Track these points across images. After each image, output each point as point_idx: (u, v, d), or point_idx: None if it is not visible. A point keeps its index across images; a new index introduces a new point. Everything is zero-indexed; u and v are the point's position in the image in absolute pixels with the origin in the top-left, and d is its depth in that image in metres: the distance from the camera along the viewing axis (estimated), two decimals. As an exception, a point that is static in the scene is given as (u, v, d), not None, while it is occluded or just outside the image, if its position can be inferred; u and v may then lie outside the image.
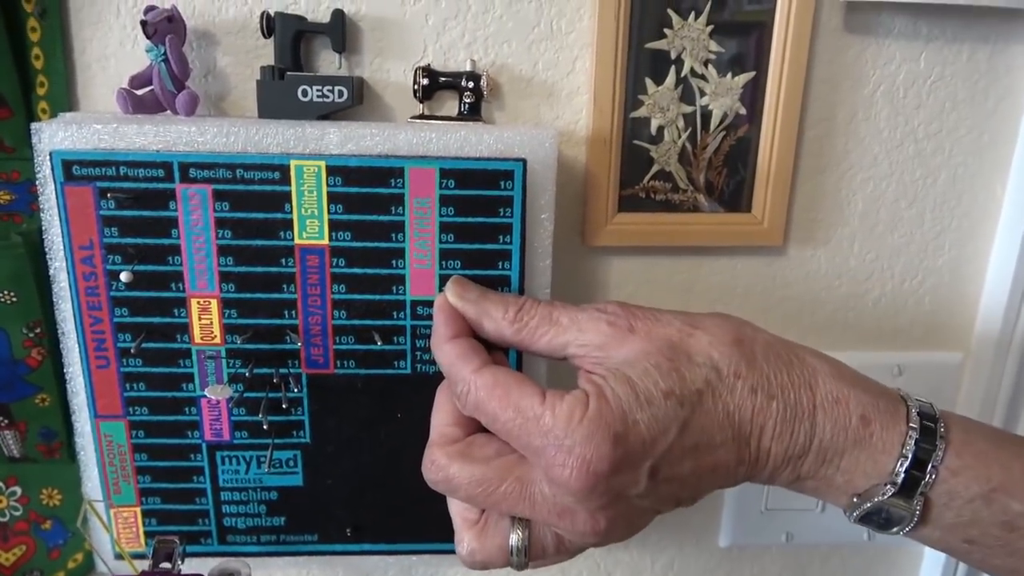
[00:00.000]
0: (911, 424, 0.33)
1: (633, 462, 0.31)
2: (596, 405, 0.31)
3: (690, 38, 0.55)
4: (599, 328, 0.35)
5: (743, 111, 0.57)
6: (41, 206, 0.47)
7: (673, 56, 0.55)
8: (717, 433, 0.32)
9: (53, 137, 0.46)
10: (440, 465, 0.37)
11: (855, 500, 0.34)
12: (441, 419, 0.39)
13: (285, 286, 0.49)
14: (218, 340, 0.50)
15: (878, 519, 0.33)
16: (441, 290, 0.46)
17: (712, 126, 0.57)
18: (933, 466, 0.32)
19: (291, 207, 0.48)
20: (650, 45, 0.55)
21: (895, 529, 0.33)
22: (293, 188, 0.47)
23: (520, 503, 0.34)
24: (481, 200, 0.49)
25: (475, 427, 0.38)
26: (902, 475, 0.32)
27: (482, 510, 0.37)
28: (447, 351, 0.38)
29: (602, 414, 0.31)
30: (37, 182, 0.47)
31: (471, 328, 0.40)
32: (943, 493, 0.32)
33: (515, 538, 0.35)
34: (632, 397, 0.32)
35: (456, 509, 0.39)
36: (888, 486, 0.32)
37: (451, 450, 0.37)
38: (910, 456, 0.32)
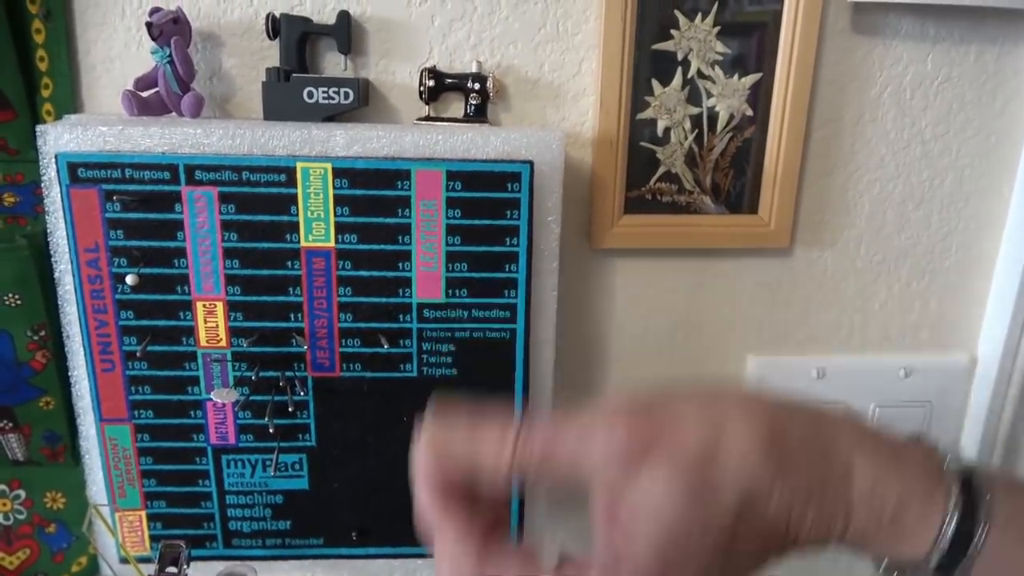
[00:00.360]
0: (951, 503, 0.31)
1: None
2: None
3: (697, 39, 0.55)
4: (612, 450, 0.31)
5: (750, 112, 0.57)
6: (46, 208, 0.47)
7: (680, 57, 0.55)
8: (753, 541, 0.30)
9: (58, 139, 0.46)
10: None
11: (895, 570, 0.32)
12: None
13: (291, 289, 0.49)
14: (224, 343, 0.49)
15: None
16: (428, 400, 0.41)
17: (719, 127, 0.57)
18: (971, 553, 0.30)
19: (297, 209, 0.47)
20: (657, 46, 0.54)
21: None
22: (299, 190, 0.47)
23: None
24: (488, 202, 0.48)
25: None
26: (935, 560, 0.30)
27: None
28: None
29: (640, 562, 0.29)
30: (42, 184, 0.47)
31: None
32: (982, 571, 0.31)
33: None
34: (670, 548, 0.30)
35: None
36: (923, 564, 0.31)
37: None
38: (948, 540, 0.30)
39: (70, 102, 0.52)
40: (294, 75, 0.50)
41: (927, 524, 0.31)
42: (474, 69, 0.53)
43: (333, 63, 0.53)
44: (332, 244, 0.48)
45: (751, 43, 0.56)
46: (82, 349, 0.49)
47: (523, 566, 0.31)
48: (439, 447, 0.32)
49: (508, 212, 0.49)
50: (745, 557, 0.31)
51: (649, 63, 0.55)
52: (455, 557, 0.31)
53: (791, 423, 0.32)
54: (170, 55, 0.48)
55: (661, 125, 0.56)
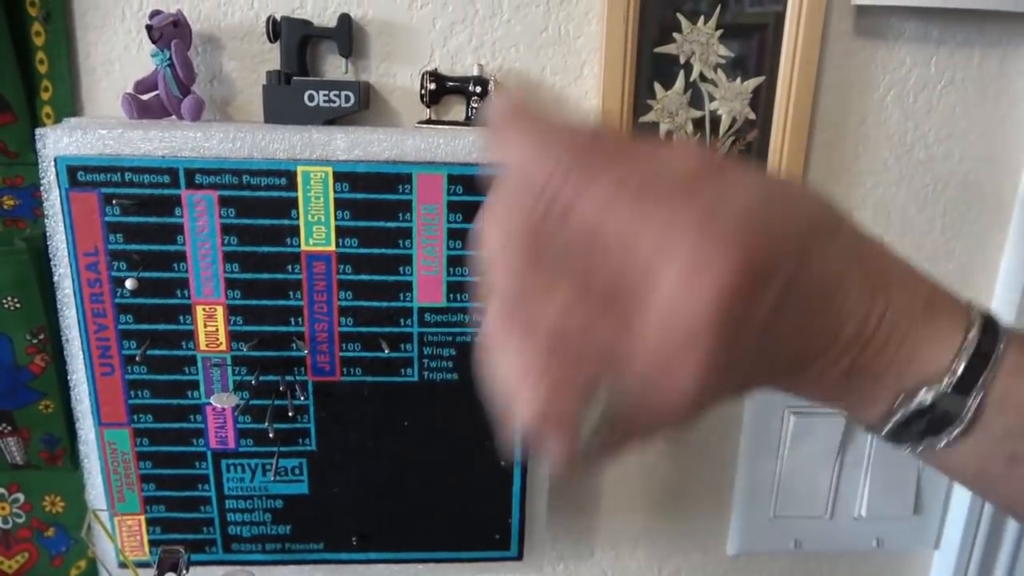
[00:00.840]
0: (972, 315, 0.31)
1: (771, 266, 0.28)
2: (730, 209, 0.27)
3: (699, 42, 0.54)
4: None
5: (752, 116, 0.56)
6: (45, 212, 0.47)
7: (682, 61, 0.55)
8: (817, 280, 0.30)
9: (58, 142, 0.45)
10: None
11: (899, 400, 0.31)
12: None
13: (291, 293, 0.49)
14: (224, 347, 0.49)
15: (922, 422, 0.31)
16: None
17: (721, 131, 0.57)
18: (995, 359, 0.30)
19: (298, 213, 0.47)
20: (659, 49, 0.54)
21: (941, 436, 0.31)
22: (300, 194, 0.47)
23: (623, 332, 0.26)
24: (489, 206, 0.48)
25: None
26: (963, 363, 0.30)
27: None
28: (534, 144, 0.28)
29: (743, 211, 0.27)
30: (41, 187, 0.46)
31: None
32: (999, 393, 0.30)
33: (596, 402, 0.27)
34: (756, 210, 0.28)
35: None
36: (947, 377, 0.30)
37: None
38: (974, 345, 0.30)
39: (70, 105, 0.52)
40: (295, 78, 0.49)
41: (954, 324, 0.31)
42: (475, 72, 0.53)
43: (334, 66, 0.53)
44: (333, 248, 0.48)
45: (753, 46, 0.55)
46: (81, 353, 0.49)
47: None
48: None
49: (509, 216, 0.48)
50: (810, 299, 0.29)
51: (651, 66, 0.54)
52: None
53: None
54: (170, 58, 0.48)
55: (663, 128, 0.56)
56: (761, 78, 0.56)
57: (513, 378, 0.28)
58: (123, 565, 0.53)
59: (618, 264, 0.27)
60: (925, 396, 0.30)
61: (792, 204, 0.30)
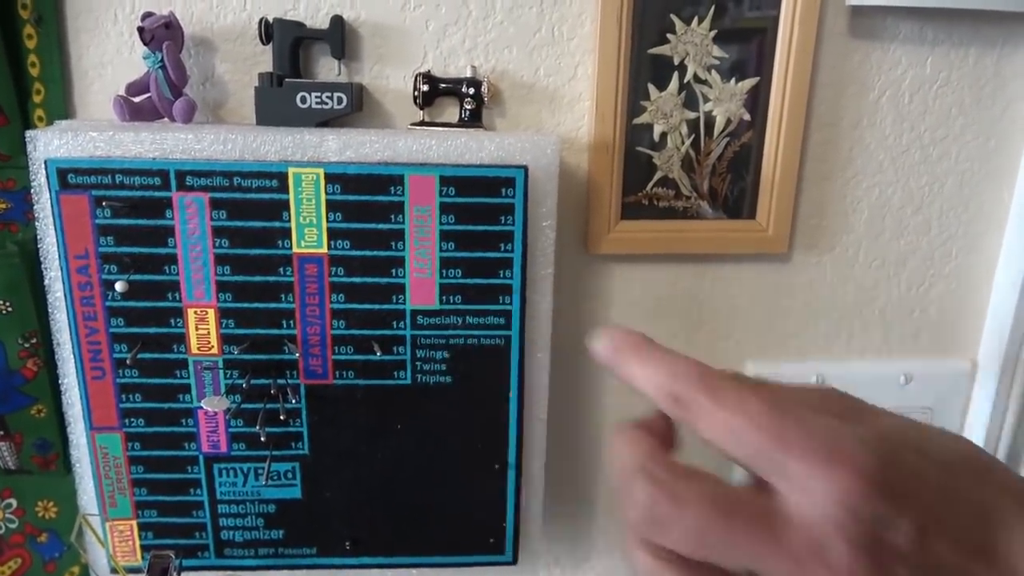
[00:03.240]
0: None
1: (903, 495, 0.27)
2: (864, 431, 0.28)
3: (693, 43, 0.54)
4: None
5: (747, 117, 0.56)
6: (36, 215, 0.47)
7: (676, 62, 0.55)
8: (971, 518, 0.29)
9: (48, 145, 0.45)
10: (661, 479, 0.28)
11: None
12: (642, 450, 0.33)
13: (283, 296, 0.48)
14: (215, 351, 0.49)
15: None
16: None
17: (715, 132, 0.56)
18: None
19: (289, 215, 0.47)
20: (653, 51, 0.54)
21: None
22: (291, 196, 0.47)
23: (760, 537, 0.27)
24: (482, 208, 0.48)
25: None
26: None
27: None
28: (665, 358, 0.30)
29: (875, 436, 0.27)
30: (32, 190, 0.46)
31: None
32: None
33: None
34: (887, 435, 0.28)
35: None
36: None
37: (674, 464, 0.29)
38: None
39: (62, 108, 0.52)
40: (287, 80, 0.49)
41: None
42: (469, 74, 0.53)
43: (327, 68, 0.53)
44: (325, 250, 0.48)
45: (748, 47, 0.55)
46: (72, 357, 0.49)
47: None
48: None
49: (502, 217, 0.48)
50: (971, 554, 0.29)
51: (645, 68, 0.54)
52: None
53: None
54: (162, 60, 0.48)
55: (657, 130, 0.56)
56: (756, 79, 0.56)
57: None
58: (115, 571, 0.53)
59: (761, 441, 0.27)
60: None
61: (935, 440, 0.29)
